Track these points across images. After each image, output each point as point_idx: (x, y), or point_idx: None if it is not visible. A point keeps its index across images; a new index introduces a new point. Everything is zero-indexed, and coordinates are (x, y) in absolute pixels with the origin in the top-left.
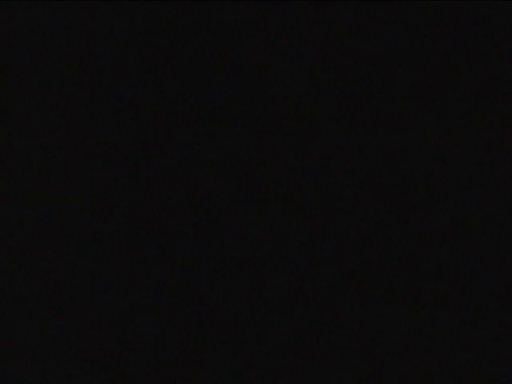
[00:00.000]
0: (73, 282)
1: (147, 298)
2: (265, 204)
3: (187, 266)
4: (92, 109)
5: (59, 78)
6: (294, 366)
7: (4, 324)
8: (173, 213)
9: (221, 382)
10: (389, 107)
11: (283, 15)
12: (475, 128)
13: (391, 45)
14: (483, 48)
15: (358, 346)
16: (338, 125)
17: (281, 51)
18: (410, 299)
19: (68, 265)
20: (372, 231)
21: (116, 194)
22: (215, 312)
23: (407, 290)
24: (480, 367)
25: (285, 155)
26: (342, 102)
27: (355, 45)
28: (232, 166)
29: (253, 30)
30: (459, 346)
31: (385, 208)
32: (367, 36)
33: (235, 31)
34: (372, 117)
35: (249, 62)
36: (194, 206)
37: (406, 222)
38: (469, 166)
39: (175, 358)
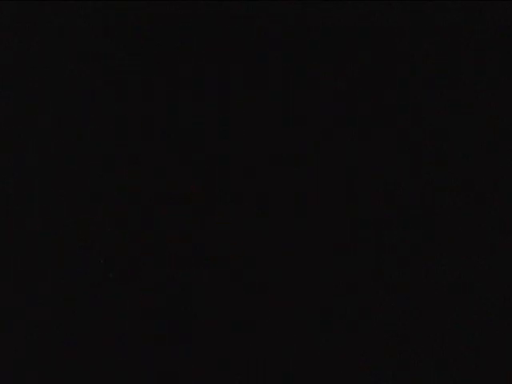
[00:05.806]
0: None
1: (141, 297)
2: (265, 204)
3: (187, 266)
4: (92, 108)
5: (59, 78)
6: (295, 366)
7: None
8: (173, 212)
9: (220, 381)
10: (389, 107)
11: (283, 15)
12: (475, 128)
13: (391, 45)
14: (483, 48)
15: (358, 345)
16: (337, 125)
17: (281, 50)
18: (410, 300)
19: (68, 263)
20: (372, 230)
21: (116, 194)
22: (210, 312)
23: (407, 290)
24: (480, 367)
25: (285, 155)
26: (341, 101)
27: (355, 44)
28: (232, 169)
29: (253, 30)
30: (460, 346)
31: (385, 208)
32: (367, 36)
33: (235, 31)
34: (372, 117)
35: (249, 62)
36: (194, 205)
37: (406, 221)
38: (469, 166)
39: (173, 357)
